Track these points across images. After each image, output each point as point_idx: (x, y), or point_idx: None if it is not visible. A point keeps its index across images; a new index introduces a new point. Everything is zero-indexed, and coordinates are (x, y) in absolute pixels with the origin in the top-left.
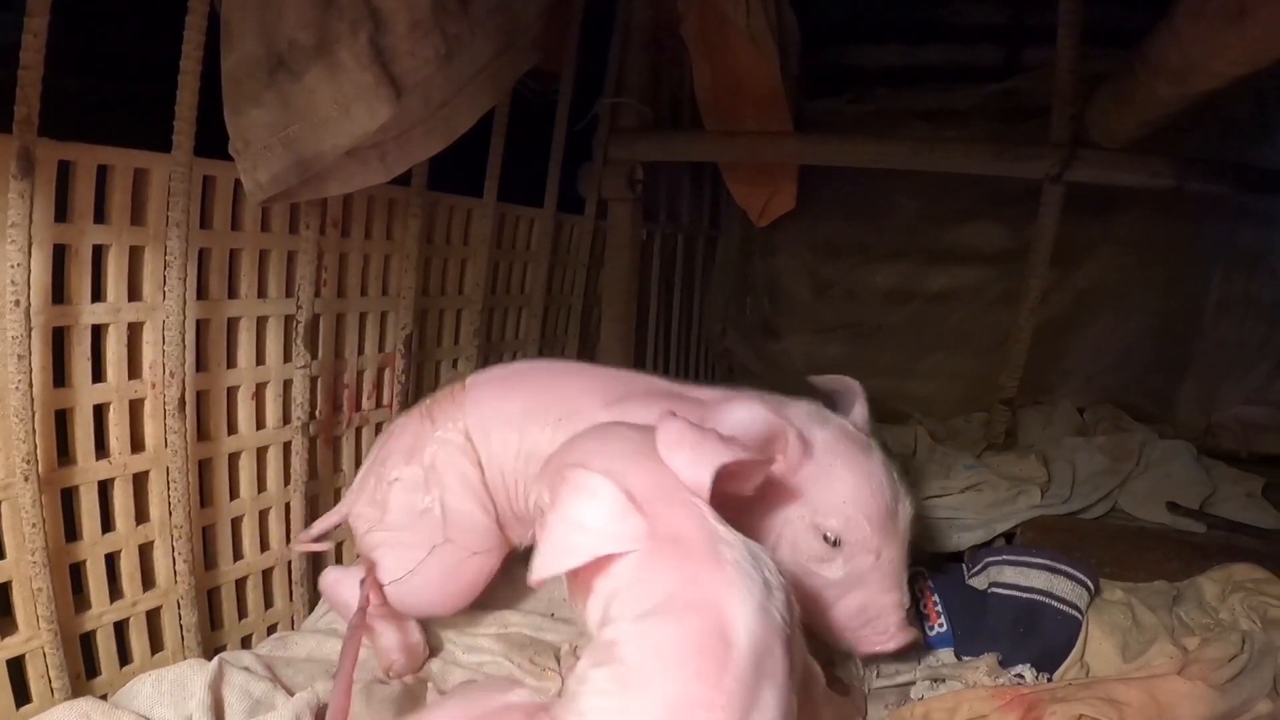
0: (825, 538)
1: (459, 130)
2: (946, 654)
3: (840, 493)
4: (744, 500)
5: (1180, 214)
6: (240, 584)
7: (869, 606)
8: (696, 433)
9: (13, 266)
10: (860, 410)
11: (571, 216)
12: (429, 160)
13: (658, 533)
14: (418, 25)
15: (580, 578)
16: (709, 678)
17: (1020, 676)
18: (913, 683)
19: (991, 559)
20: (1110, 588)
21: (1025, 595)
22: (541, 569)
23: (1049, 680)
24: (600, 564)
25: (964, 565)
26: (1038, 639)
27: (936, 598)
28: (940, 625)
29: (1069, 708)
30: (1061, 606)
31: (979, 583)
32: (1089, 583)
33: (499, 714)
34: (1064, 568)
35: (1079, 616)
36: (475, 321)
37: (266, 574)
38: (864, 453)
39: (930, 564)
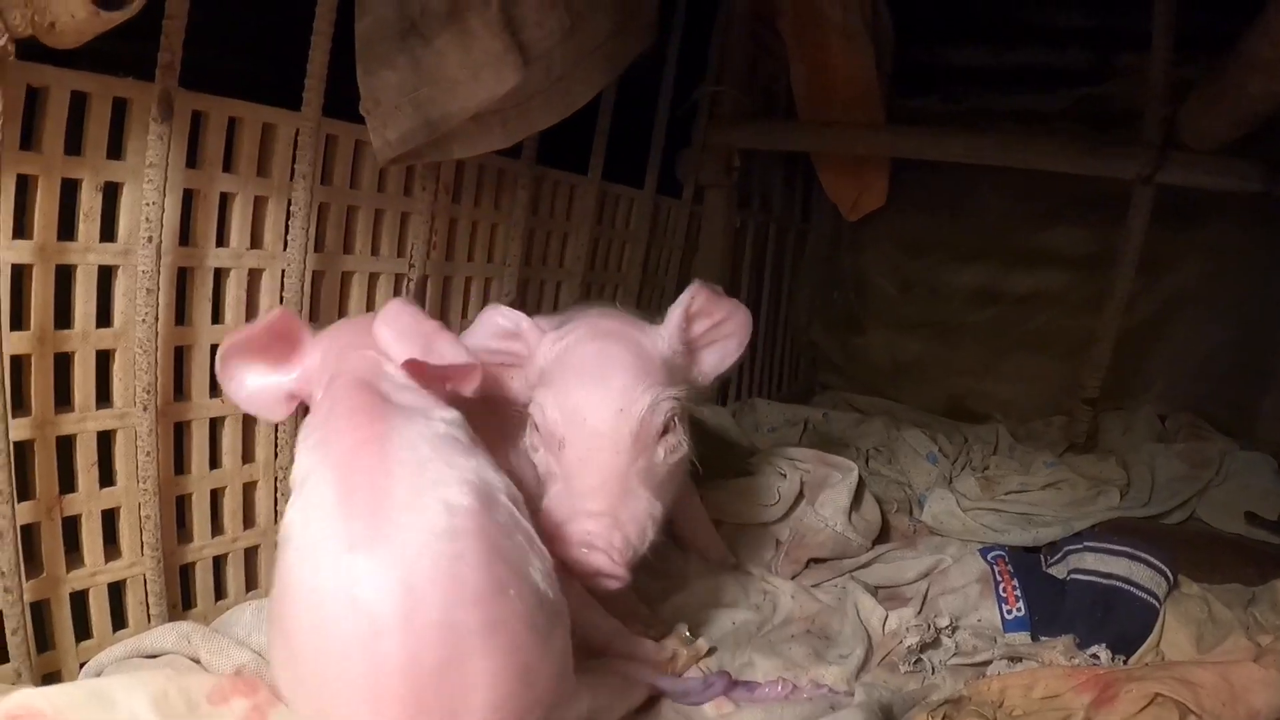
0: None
1: (576, 104)
2: (1024, 636)
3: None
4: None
5: (1267, 226)
6: None
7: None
8: (414, 323)
9: (148, 204)
10: None
11: (669, 199)
12: (538, 135)
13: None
14: None
15: None
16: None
17: (1096, 657)
18: (990, 661)
19: (1072, 547)
20: (1187, 584)
21: (1104, 581)
22: None
23: (1124, 664)
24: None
25: (1042, 556)
26: (1114, 623)
27: (1016, 581)
28: (1019, 609)
29: (1144, 686)
30: (1139, 593)
31: (1058, 571)
32: (1168, 573)
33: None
34: (1144, 555)
35: (1157, 605)
36: (574, 294)
37: None
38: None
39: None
